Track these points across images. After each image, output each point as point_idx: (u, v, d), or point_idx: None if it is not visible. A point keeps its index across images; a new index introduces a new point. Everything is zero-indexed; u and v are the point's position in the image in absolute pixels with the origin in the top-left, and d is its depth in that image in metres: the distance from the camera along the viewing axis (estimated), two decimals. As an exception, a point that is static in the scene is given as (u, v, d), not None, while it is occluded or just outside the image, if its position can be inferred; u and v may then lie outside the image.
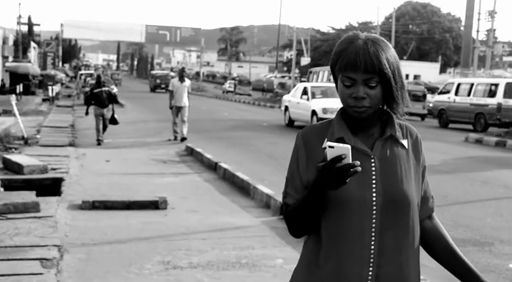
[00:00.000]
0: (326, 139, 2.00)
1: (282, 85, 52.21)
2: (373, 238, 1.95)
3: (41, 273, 5.32)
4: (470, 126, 24.30)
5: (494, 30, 43.86)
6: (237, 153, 14.06)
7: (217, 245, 6.45)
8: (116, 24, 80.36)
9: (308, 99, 21.29)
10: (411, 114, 29.93)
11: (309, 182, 1.98)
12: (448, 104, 25.58)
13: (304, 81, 40.03)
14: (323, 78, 40.49)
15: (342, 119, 2.05)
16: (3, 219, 7.10)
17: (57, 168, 10.80)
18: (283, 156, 13.95)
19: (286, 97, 24.24)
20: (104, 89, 15.63)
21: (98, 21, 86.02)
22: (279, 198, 8.15)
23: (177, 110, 16.70)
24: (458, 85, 25.61)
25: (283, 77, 66.46)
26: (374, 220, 1.95)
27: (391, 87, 1.98)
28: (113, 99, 15.91)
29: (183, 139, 16.18)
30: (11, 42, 59.86)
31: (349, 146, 1.80)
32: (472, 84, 24.91)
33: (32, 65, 44.87)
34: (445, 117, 25.84)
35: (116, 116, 15.87)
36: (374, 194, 1.96)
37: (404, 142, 2.06)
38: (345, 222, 1.96)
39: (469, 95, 24.61)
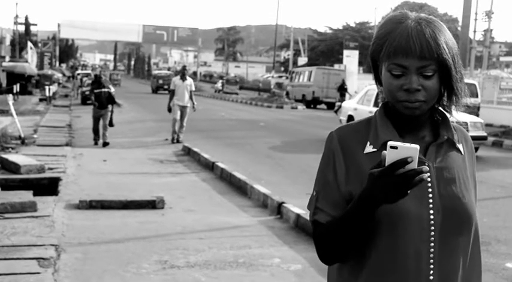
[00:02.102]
0: (368, 143, 1.67)
1: (279, 85, 52.29)
2: (431, 266, 1.60)
3: (38, 273, 5.32)
4: None
5: (491, 30, 43.99)
6: (234, 153, 14.06)
7: (214, 245, 6.45)
8: (113, 24, 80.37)
9: None
10: None
11: (350, 195, 1.63)
12: None
13: None
14: (304, 78, 40.73)
15: (386, 118, 1.69)
16: (0, 219, 7.10)
17: (54, 167, 10.79)
18: (280, 155, 13.96)
19: (349, 104, 18.24)
20: (103, 90, 15.49)
21: (95, 21, 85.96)
22: (276, 197, 8.17)
23: (180, 109, 16.00)
24: None
25: (280, 77, 66.49)
26: (432, 244, 1.59)
27: (451, 78, 1.62)
28: (112, 100, 15.71)
29: (178, 141, 15.75)
30: (7, 42, 59.80)
31: (417, 147, 1.45)
32: None
33: (28, 64, 44.81)
34: None
35: (112, 117, 15.61)
36: (431, 211, 1.60)
37: (461, 147, 1.72)
38: (397, 246, 1.59)
39: None
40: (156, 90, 51.63)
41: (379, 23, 1.71)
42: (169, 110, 16.31)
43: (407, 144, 1.45)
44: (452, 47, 1.62)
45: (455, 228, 1.62)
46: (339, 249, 1.63)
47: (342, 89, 33.86)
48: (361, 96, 16.95)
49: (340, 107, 33.28)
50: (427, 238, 1.59)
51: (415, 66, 1.57)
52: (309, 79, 39.67)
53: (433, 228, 1.59)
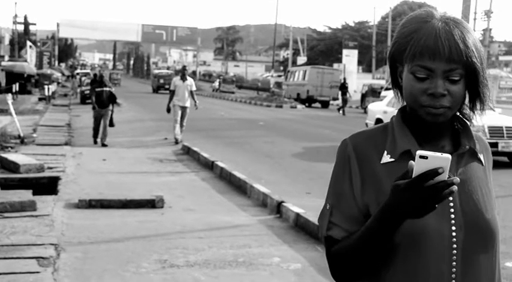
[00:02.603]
0: (385, 152, 1.54)
1: (279, 84, 52.36)
2: None
3: (37, 272, 5.31)
4: None
5: (491, 29, 43.98)
6: (233, 152, 14.06)
7: (214, 244, 6.45)
8: (112, 24, 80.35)
9: None
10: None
11: (366, 208, 1.52)
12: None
13: None
14: (298, 77, 41.12)
15: (404, 125, 1.56)
16: (0, 218, 7.09)
17: (53, 167, 10.79)
18: (280, 155, 13.96)
19: (377, 106, 16.67)
20: (105, 88, 15.39)
21: (94, 20, 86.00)
22: (276, 197, 8.16)
23: (180, 110, 15.71)
24: None
25: (279, 76, 66.56)
26: (454, 263, 1.48)
27: (478, 83, 1.51)
28: (113, 99, 15.58)
29: (177, 142, 15.36)
30: (6, 41, 59.82)
31: (449, 157, 1.33)
32: None
33: (28, 64, 44.81)
34: None
35: (113, 117, 15.52)
36: (453, 227, 1.48)
37: (482, 158, 1.61)
38: (416, 266, 1.48)
39: None
40: (156, 89, 51.15)
41: (401, 22, 1.56)
42: (169, 110, 16.06)
43: (439, 154, 1.34)
44: (480, 50, 1.50)
45: (478, 246, 1.51)
46: (355, 268, 1.50)
47: (343, 88, 33.87)
48: (391, 98, 14.84)
49: (343, 106, 33.57)
50: (448, 257, 1.48)
51: (441, 69, 1.45)
52: (304, 78, 40.24)
53: (455, 246, 1.48)
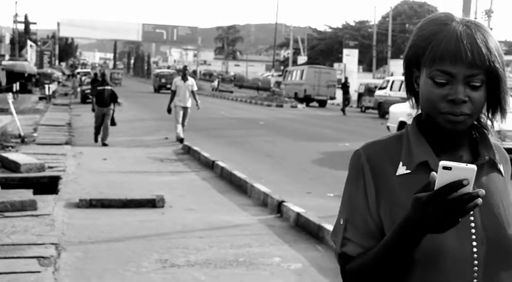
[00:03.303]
0: (401, 163, 1.46)
1: (279, 84, 52.42)
2: None
3: (38, 272, 5.32)
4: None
5: (491, 29, 43.94)
6: (234, 152, 14.06)
7: (214, 243, 6.46)
8: (113, 23, 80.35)
9: None
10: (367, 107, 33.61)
11: (382, 222, 1.44)
12: (384, 98, 29.54)
13: None
14: (296, 77, 41.68)
15: (420, 134, 1.48)
16: (1, 217, 7.10)
17: (54, 166, 10.79)
18: (280, 154, 13.97)
19: (401, 108, 14.75)
20: (107, 87, 15.32)
21: (95, 19, 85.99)
22: (276, 196, 8.16)
23: (182, 110, 15.45)
24: (393, 82, 30.01)
25: (280, 75, 66.58)
26: (475, 280, 1.40)
27: (499, 90, 1.43)
28: (114, 98, 15.47)
29: (181, 140, 15.19)
30: (7, 40, 59.83)
31: (474, 168, 1.26)
32: (402, 81, 28.96)
33: (28, 63, 44.83)
34: (383, 109, 29.45)
35: (114, 116, 15.46)
36: (474, 243, 1.40)
37: (502, 168, 1.51)
38: None
39: (399, 90, 28.54)
40: (158, 89, 50.55)
41: (418, 24, 1.49)
42: (169, 111, 15.88)
43: (464, 165, 1.25)
44: (502, 56, 1.42)
45: (500, 263, 1.42)
46: None
47: (345, 87, 33.85)
48: None
49: (346, 105, 33.62)
50: (470, 274, 1.39)
51: (463, 75, 1.37)
52: (301, 78, 40.68)
53: (476, 262, 1.39)
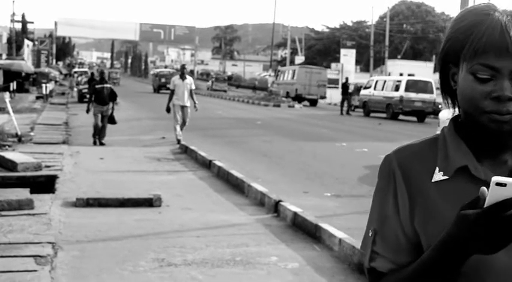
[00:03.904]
0: (437, 169, 1.31)
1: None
2: None
3: (35, 270, 5.31)
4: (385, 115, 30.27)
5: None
6: (231, 151, 14.07)
7: (211, 243, 6.46)
8: (110, 22, 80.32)
9: None
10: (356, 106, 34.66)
11: (415, 235, 1.30)
12: (369, 97, 31.34)
13: None
14: (288, 77, 42.74)
15: (457, 136, 1.33)
16: (-3, 217, 7.09)
17: (51, 165, 10.78)
18: (278, 154, 13.97)
19: (450, 114, 14.34)
20: (106, 85, 15.17)
21: (92, 19, 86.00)
22: (273, 196, 8.17)
23: (181, 110, 15.27)
24: (376, 82, 31.62)
25: (277, 75, 66.71)
26: None
27: None
28: (113, 96, 15.28)
29: (179, 141, 14.92)
30: (4, 39, 59.77)
31: None
32: (385, 81, 31.24)
33: (25, 62, 44.77)
34: (367, 108, 31.62)
35: (114, 115, 15.31)
36: None
37: None
38: None
39: (382, 89, 30.46)
40: (157, 89, 49.55)
41: (455, 16, 1.35)
42: (168, 110, 15.64)
43: None
44: None
45: None
46: None
47: (345, 87, 33.88)
48: None
49: (342, 105, 33.66)
50: None
51: (509, 69, 1.23)
52: (293, 77, 41.94)
53: None
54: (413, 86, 29.22)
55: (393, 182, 1.32)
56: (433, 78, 32.12)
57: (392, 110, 29.50)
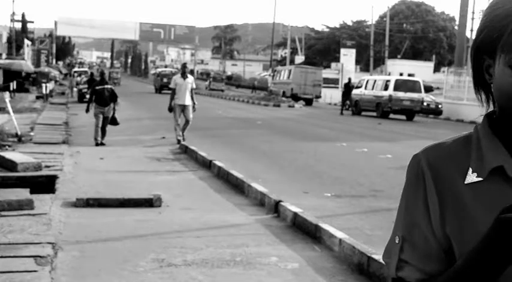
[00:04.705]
0: (470, 169, 1.21)
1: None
2: None
3: (35, 271, 5.31)
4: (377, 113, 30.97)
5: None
6: (231, 151, 14.06)
7: (211, 243, 6.45)
8: (110, 22, 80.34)
9: None
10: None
11: (447, 241, 1.21)
12: (360, 96, 32.36)
13: None
14: (284, 76, 43.50)
15: (492, 135, 1.23)
16: (-3, 217, 7.09)
17: (51, 165, 10.78)
18: (278, 154, 13.97)
19: None
20: (106, 86, 15.09)
21: (92, 18, 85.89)
22: (273, 196, 8.16)
23: (181, 109, 15.12)
24: (367, 81, 32.63)
25: (277, 75, 66.74)
26: None
27: None
28: (114, 97, 15.20)
29: (179, 141, 14.82)
30: (4, 39, 59.69)
31: None
32: (375, 81, 32.23)
33: (25, 62, 44.77)
34: (359, 106, 32.52)
35: (116, 116, 15.21)
36: None
37: None
38: None
39: (373, 88, 31.42)
40: (159, 89, 48.33)
41: (489, 3, 1.23)
42: (171, 109, 15.47)
43: None
44: None
45: None
46: None
47: (348, 88, 33.90)
48: None
49: (343, 105, 33.74)
50: None
51: None
52: (289, 77, 42.80)
53: None
54: (402, 85, 30.37)
55: (422, 184, 1.23)
56: (433, 78, 32.68)
57: (382, 109, 30.49)
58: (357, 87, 33.33)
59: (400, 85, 30.33)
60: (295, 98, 41.00)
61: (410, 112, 30.19)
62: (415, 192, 1.24)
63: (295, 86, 41.60)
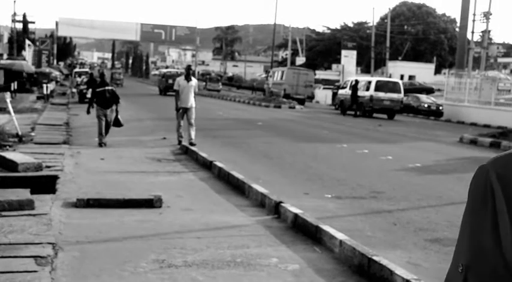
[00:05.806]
0: None
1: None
2: None
3: (35, 271, 5.31)
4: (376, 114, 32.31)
5: (489, 31, 43.99)
6: (231, 152, 14.06)
7: (212, 244, 6.45)
8: (111, 23, 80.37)
9: None
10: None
11: None
12: (345, 96, 34.05)
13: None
14: (278, 77, 44.50)
15: None
16: (-2, 217, 7.08)
17: (51, 166, 10.78)
18: (278, 155, 13.96)
19: None
20: (107, 88, 15.00)
21: (93, 19, 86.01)
22: (274, 197, 8.15)
23: (184, 112, 15.09)
24: (351, 82, 34.10)
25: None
26: None
27: None
28: (116, 99, 15.10)
29: (192, 144, 14.47)
30: (5, 39, 59.77)
31: None
32: (358, 82, 33.67)
33: (26, 62, 44.80)
34: (344, 106, 34.13)
35: (119, 117, 15.12)
36: None
37: None
38: None
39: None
40: (164, 91, 45.47)
41: None
42: (179, 109, 15.25)
43: None
44: None
45: None
46: None
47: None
48: None
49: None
50: None
51: None
52: (282, 78, 43.98)
53: None
54: (383, 86, 32.23)
55: (491, 200, 1.04)
56: (434, 80, 33.05)
57: (364, 108, 32.25)
58: (342, 88, 35.35)
59: (381, 86, 32.16)
60: (288, 98, 41.97)
61: (391, 111, 31.95)
62: (483, 210, 1.06)
63: (287, 87, 42.77)
